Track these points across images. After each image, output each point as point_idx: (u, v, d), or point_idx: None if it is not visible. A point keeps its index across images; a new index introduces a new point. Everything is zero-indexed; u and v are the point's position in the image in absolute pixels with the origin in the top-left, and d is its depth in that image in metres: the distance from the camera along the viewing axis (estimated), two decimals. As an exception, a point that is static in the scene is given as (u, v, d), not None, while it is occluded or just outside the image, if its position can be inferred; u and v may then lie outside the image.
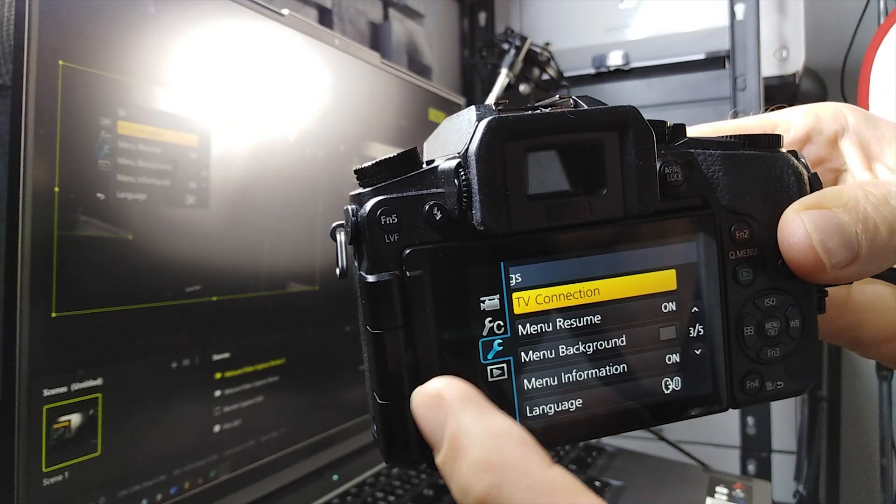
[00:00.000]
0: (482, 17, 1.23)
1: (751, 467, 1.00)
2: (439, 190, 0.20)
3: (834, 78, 1.12)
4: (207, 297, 0.49)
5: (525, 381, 0.20)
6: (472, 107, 0.20)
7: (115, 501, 0.42)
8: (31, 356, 0.37)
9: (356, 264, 0.20)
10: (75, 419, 0.40)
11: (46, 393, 0.38)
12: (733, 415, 1.01)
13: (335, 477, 0.59)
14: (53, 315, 0.38)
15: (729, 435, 1.01)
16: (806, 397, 1.03)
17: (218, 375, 0.50)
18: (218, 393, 0.50)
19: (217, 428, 0.50)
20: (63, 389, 0.39)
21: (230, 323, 0.51)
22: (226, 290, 0.50)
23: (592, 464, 0.64)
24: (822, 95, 1.16)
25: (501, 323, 0.20)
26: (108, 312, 0.41)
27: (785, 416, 1.02)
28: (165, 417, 0.46)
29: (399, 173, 0.20)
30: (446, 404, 0.18)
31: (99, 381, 0.41)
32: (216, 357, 0.49)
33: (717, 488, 0.61)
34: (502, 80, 0.98)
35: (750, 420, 1.00)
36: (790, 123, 0.27)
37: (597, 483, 0.59)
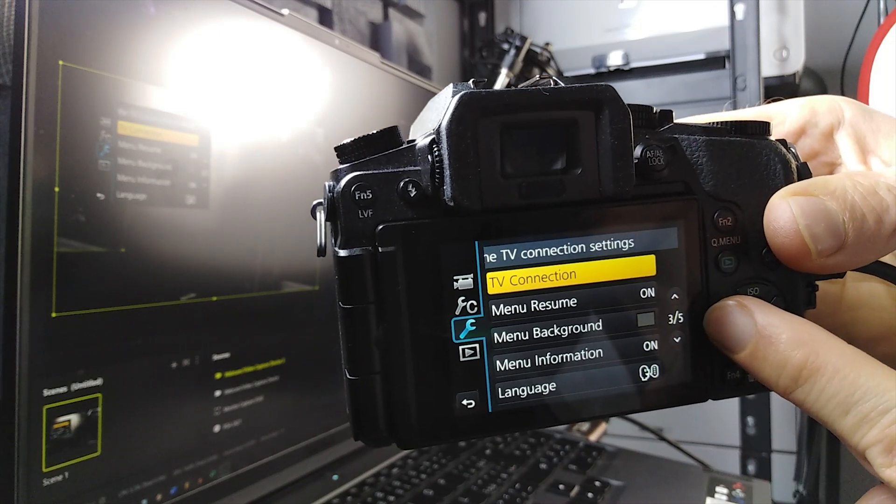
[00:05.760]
0: (482, 17, 1.23)
1: (751, 467, 1.00)
2: (416, 167, 0.20)
3: (834, 78, 1.12)
4: (207, 297, 0.49)
5: (498, 362, 0.20)
6: (451, 84, 0.20)
7: (115, 501, 0.42)
8: (31, 356, 0.37)
9: (333, 241, 0.20)
10: (75, 419, 0.40)
11: (46, 393, 0.38)
12: (733, 415, 1.01)
13: (335, 477, 0.59)
14: (53, 315, 0.38)
15: (729, 435, 1.01)
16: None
17: (218, 375, 0.50)
18: (218, 393, 0.50)
19: (217, 428, 0.50)
20: (63, 389, 0.39)
21: (230, 323, 0.51)
22: (225, 289, 0.50)
23: (592, 464, 0.64)
24: (822, 95, 1.16)
25: (475, 303, 0.20)
26: (109, 312, 0.41)
27: (785, 416, 1.02)
28: (165, 417, 0.45)
29: (378, 150, 0.20)
30: (748, 308, 0.20)
31: (99, 381, 0.41)
32: (216, 357, 0.49)
33: (717, 488, 0.61)
34: (502, 80, 0.98)
35: (750, 420, 1.00)
36: (786, 115, 0.27)
37: (597, 483, 0.59)
